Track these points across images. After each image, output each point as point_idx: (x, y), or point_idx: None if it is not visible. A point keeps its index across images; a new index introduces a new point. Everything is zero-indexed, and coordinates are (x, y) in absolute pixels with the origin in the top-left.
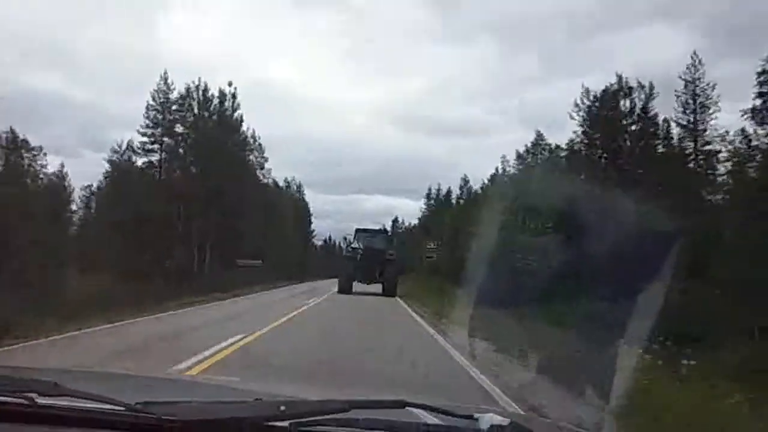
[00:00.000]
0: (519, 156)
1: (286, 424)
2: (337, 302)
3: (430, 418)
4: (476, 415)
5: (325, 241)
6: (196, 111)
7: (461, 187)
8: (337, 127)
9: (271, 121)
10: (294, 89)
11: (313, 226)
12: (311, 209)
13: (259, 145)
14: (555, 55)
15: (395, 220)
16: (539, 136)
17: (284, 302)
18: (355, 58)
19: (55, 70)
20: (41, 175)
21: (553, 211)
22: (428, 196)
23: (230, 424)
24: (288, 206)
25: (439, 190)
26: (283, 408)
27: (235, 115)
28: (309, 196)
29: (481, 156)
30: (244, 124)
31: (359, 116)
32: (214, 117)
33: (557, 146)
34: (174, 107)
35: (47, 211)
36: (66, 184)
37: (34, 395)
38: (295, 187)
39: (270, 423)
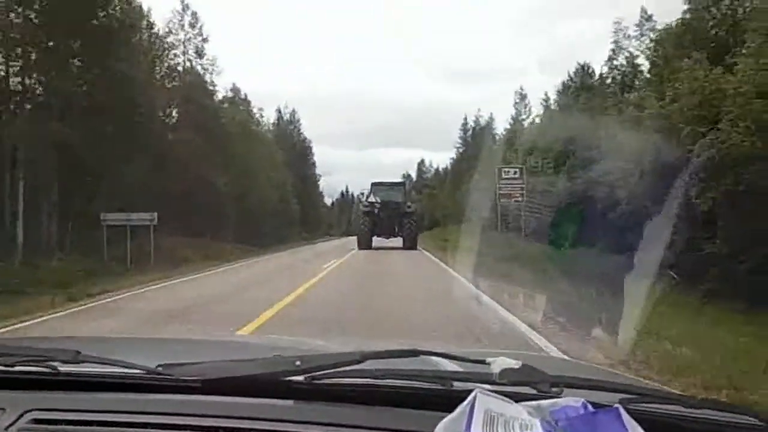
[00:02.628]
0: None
1: (301, 378)
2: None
3: (443, 365)
4: (488, 360)
5: (342, 194)
6: None
7: (516, 104)
8: (353, 79)
9: (285, 74)
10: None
11: (327, 180)
12: (325, 162)
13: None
14: None
15: (421, 163)
16: None
17: None
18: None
19: None
20: None
21: None
22: (464, 128)
23: (248, 381)
24: (278, 142)
25: (477, 119)
26: (298, 363)
27: None
28: (325, 151)
29: (506, 106)
30: None
31: (377, 66)
32: None
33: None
34: None
35: None
36: None
37: (57, 364)
38: (287, 117)
39: (286, 378)
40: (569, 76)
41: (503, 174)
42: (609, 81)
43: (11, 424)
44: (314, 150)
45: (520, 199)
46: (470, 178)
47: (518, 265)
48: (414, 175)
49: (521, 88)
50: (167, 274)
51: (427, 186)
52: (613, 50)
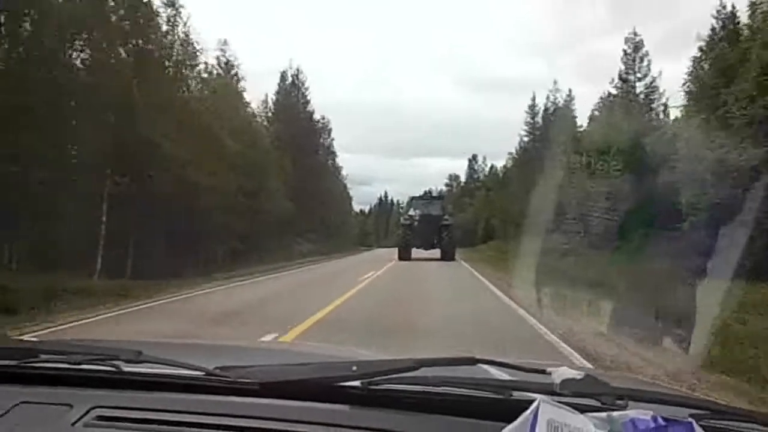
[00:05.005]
0: None
1: (358, 383)
2: None
3: (502, 374)
4: (549, 370)
5: (380, 200)
6: None
7: (626, 56)
8: (398, 90)
9: (329, 85)
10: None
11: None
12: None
13: None
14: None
15: (473, 160)
16: None
17: None
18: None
19: None
20: None
21: None
22: (532, 111)
23: (305, 384)
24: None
25: (553, 96)
26: (354, 368)
27: None
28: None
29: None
30: None
31: (421, 78)
32: None
33: None
34: None
35: None
36: None
37: (120, 363)
38: (289, 77)
39: (342, 383)
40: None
41: None
42: None
43: (78, 420)
44: (333, 134)
45: None
46: (557, 170)
47: None
48: (463, 175)
49: (635, 34)
50: None
51: (480, 187)
52: None
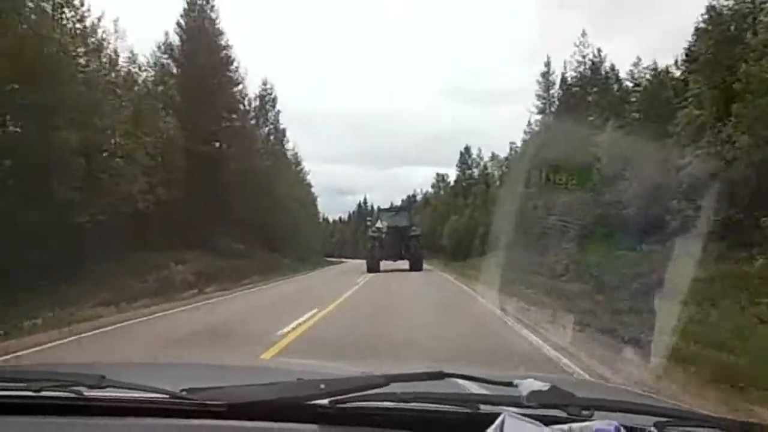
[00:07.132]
0: None
1: (326, 401)
2: None
3: (470, 388)
4: (515, 382)
5: (359, 205)
6: None
7: None
8: (381, 99)
9: (311, 94)
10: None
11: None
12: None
13: None
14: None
15: (466, 152)
16: None
17: None
18: (400, 26)
19: None
20: None
21: None
22: (545, 80)
23: (273, 405)
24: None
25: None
26: (323, 386)
27: None
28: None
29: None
30: None
31: (404, 87)
32: None
33: None
34: None
35: None
36: None
37: (82, 388)
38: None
39: (311, 402)
40: None
41: None
42: None
43: None
44: (279, 94)
45: None
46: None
47: None
48: (453, 173)
49: None
50: None
51: (477, 183)
52: None
